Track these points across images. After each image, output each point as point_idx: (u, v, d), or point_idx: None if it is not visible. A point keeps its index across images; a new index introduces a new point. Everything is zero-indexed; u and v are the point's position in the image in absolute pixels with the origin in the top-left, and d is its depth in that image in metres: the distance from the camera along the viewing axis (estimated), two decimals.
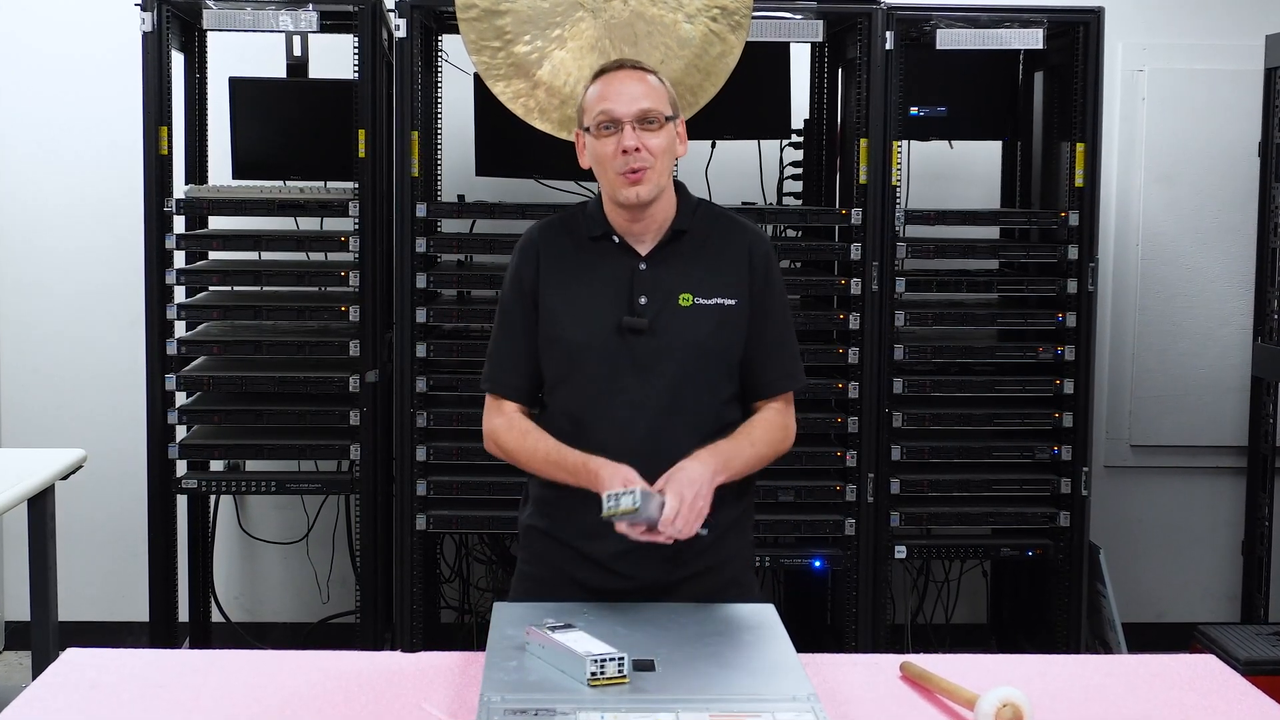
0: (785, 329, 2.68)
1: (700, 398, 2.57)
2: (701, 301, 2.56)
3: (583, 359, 2.56)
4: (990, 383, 4.23)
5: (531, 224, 2.71)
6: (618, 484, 2.38)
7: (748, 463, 2.56)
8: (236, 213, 4.27)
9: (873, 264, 4.09)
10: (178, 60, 4.36)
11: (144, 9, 4.04)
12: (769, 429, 2.61)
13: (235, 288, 4.46)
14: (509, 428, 2.62)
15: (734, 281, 2.59)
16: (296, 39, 4.53)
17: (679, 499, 2.35)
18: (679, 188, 2.65)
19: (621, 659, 2.09)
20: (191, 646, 4.56)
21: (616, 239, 2.60)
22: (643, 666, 2.14)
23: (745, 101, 4.01)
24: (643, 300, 2.55)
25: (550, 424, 2.62)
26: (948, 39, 4.09)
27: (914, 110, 4.32)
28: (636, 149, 2.50)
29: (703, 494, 2.40)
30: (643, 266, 2.58)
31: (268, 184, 4.40)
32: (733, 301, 2.58)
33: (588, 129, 2.57)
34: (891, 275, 4.11)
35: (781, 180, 4.68)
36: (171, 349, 4.15)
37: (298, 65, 4.57)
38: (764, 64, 4.21)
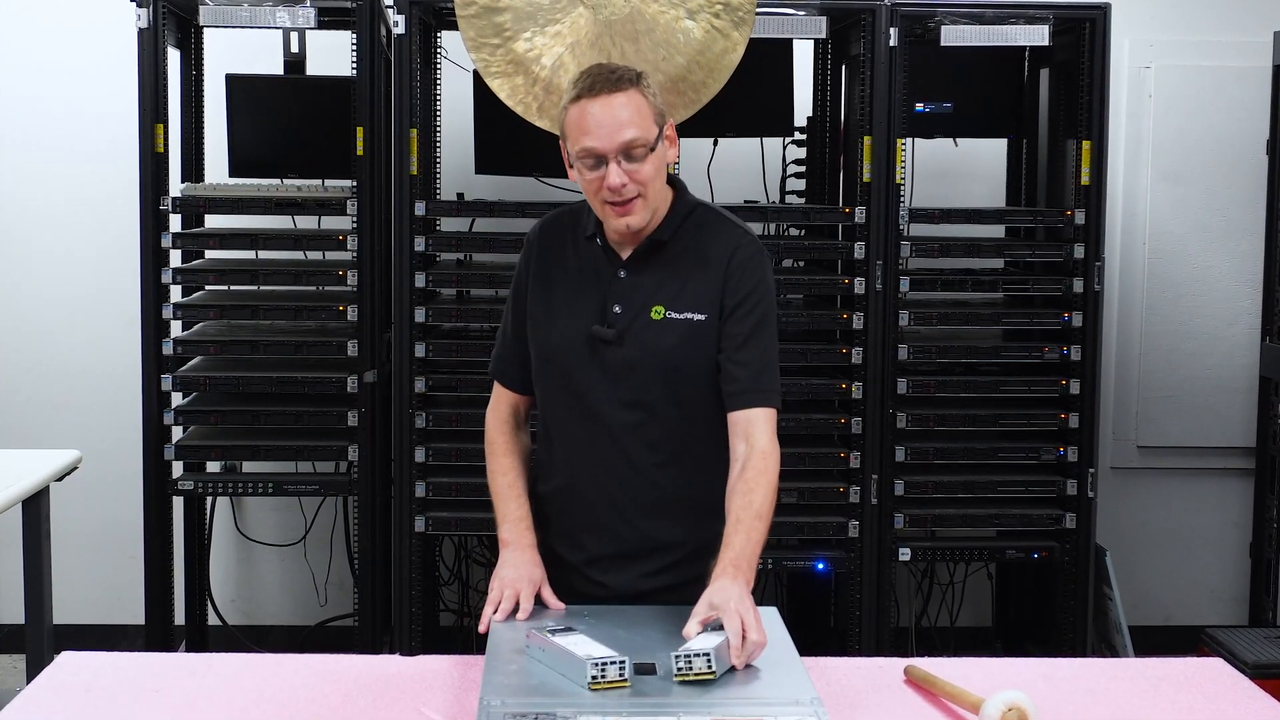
0: (756, 339, 2.48)
1: (667, 413, 2.50)
2: (673, 315, 2.48)
3: (554, 363, 2.54)
4: (995, 383, 4.20)
5: (538, 219, 2.68)
6: (519, 584, 2.42)
7: (764, 537, 2.39)
8: (233, 211, 4.24)
9: (876, 263, 4.07)
10: (174, 57, 4.34)
11: (140, 5, 4.02)
12: (765, 485, 2.40)
13: (232, 287, 4.46)
14: (495, 434, 2.65)
15: (707, 294, 2.49)
16: (294, 35, 4.52)
17: (739, 624, 2.17)
18: (678, 188, 2.57)
19: (622, 662, 2.08)
20: (188, 650, 4.55)
21: (601, 241, 2.54)
22: (644, 670, 2.13)
23: (747, 99, 3.97)
24: (617, 309, 2.50)
25: (537, 423, 2.62)
26: (952, 35, 4.06)
27: (919, 107, 4.29)
28: (623, 184, 2.40)
29: (750, 607, 2.23)
30: (622, 274, 2.52)
31: (265, 182, 4.37)
32: (702, 316, 2.48)
33: (569, 160, 2.47)
34: (895, 274, 4.09)
35: (784, 178, 4.66)
36: (167, 349, 4.13)
37: (295, 62, 4.55)
38: (766, 61, 4.18)
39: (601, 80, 2.42)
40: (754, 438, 2.44)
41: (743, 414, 2.46)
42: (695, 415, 2.52)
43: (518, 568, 2.48)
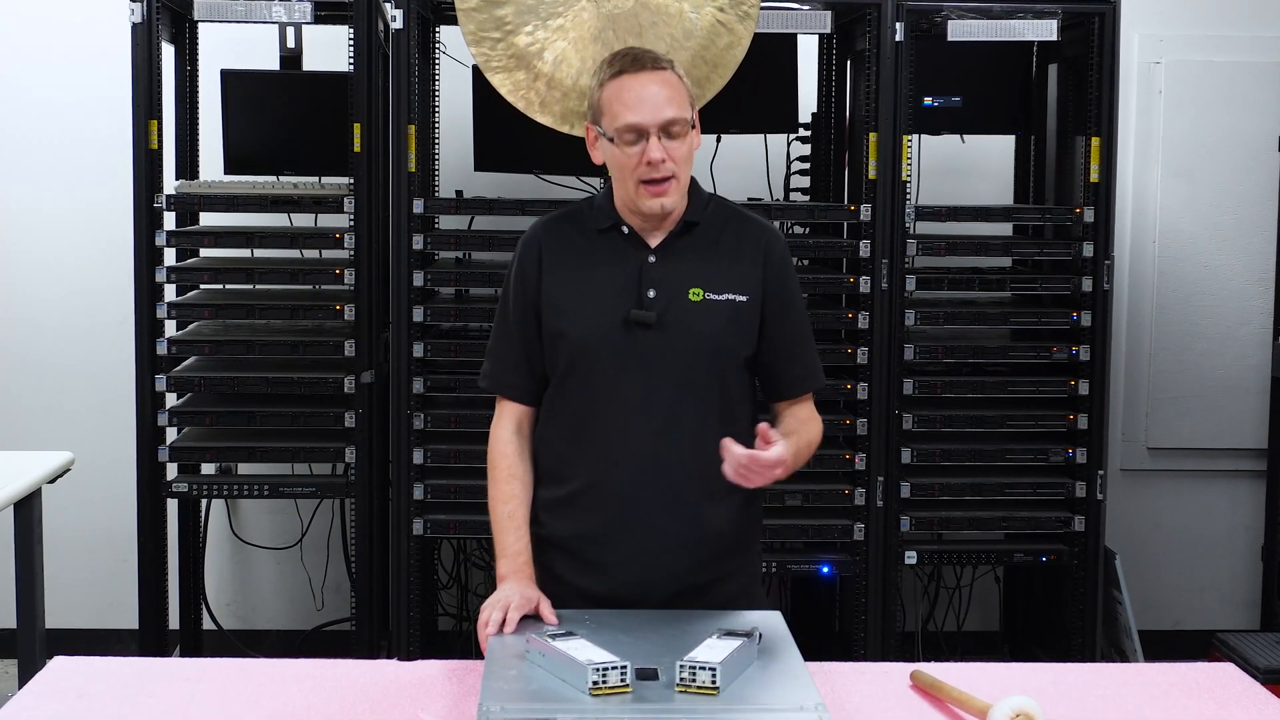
0: (805, 328, 2.64)
1: (709, 395, 2.52)
2: (712, 297, 2.52)
3: (588, 354, 2.52)
4: (1003, 384, 4.17)
5: (534, 220, 2.67)
6: (512, 597, 2.39)
7: (804, 459, 2.56)
8: (228, 209, 4.20)
9: (882, 261, 4.04)
10: (168, 52, 4.31)
11: (133, 0, 3.97)
12: (809, 433, 2.59)
13: (227, 286, 4.43)
14: (498, 456, 2.63)
15: (747, 278, 2.54)
16: (290, 30, 4.49)
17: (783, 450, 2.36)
18: (690, 181, 2.60)
19: (624, 667, 2.06)
20: (182, 655, 4.51)
21: (626, 229, 2.56)
22: (645, 675, 2.11)
23: (751, 94, 3.95)
24: (651, 294, 2.51)
25: (555, 422, 2.59)
26: (959, 30, 4.05)
27: (926, 102, 4.26)
28: (663, 160, 2.44)
29: (780, 468, 2.36)
30: (652, 259, 2.54)
31: (260, 179, 4.34)
32: (744, 298, 2.53)
33: (606, 136, 2.49)
34: (901, 273, 4.05)
35: (789, 175, 4.63)
36: (161, 349, 4.09)
37: (291, 57, 4.52)
38: (771, 56, 4.16)
39: (643, 58, 2.51)
40: (800, 414, 2.61)
41: (794, 402, 2.62)
42: (733, 397, 2.55)
43: (510, 589, 2.46)
